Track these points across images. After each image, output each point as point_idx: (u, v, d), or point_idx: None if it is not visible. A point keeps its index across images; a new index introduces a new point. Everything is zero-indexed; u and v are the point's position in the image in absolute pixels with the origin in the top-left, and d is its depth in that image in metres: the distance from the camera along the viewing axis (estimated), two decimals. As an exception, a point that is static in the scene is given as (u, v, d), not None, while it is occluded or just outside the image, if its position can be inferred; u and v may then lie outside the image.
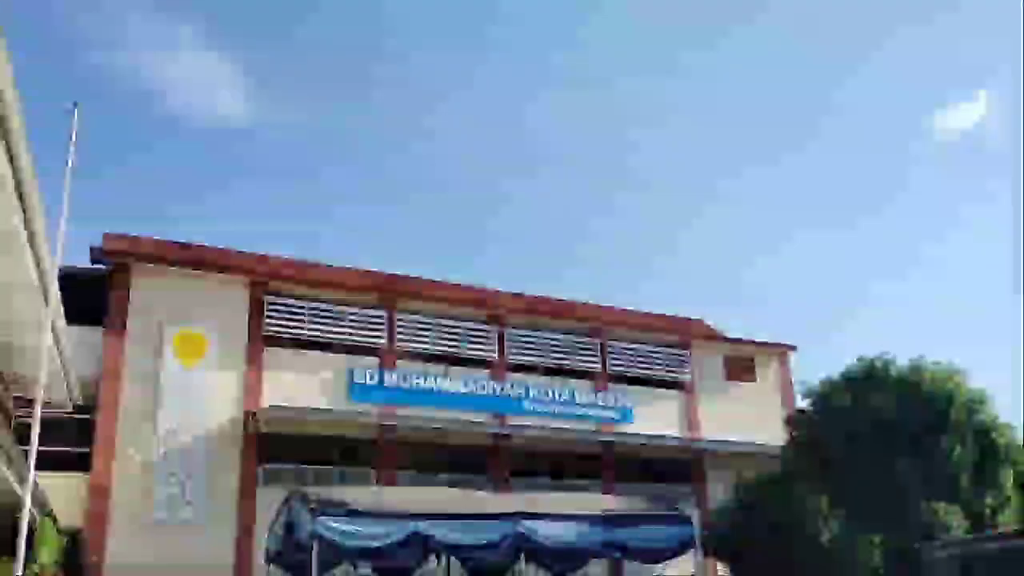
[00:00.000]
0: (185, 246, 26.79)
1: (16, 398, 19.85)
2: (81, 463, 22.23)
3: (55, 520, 18.21)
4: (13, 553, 12.34)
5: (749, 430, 29.44)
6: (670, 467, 30.14)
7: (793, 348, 33.45)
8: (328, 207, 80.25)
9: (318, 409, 24.13)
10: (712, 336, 33.54)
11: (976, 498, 20.98)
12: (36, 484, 13.62)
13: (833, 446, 21.24)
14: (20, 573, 12.19)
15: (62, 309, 15.03)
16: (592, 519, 20.18)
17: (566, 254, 79.76)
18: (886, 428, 20.99)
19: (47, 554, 17.17)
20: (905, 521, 20.17)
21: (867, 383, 21.87)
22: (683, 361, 31.11)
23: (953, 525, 19.94)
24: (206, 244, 26.93)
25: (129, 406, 22.43)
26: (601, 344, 29.81)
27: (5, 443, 13.15)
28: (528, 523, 19.44)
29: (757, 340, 33.01)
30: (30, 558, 15.45)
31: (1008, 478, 21.52)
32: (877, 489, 20.87)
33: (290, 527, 18.84)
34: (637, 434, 28.40)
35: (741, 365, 32.32)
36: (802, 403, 24.18)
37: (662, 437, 28.57)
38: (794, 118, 79.98)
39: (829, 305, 79.50)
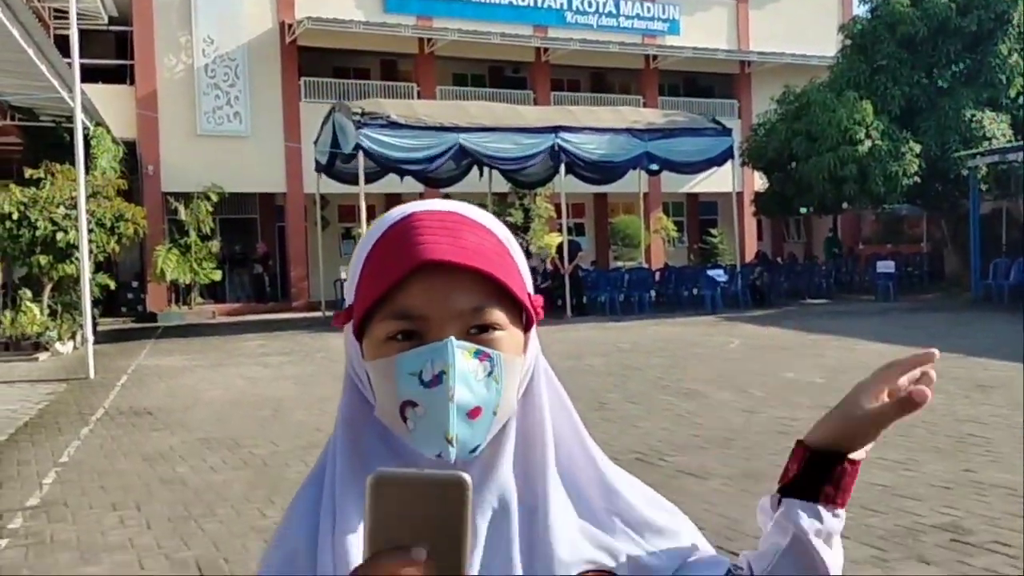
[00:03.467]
0: None
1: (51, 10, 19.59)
2: (126, 77, 22.44)
3: (109, 130, 18.77)
4: (74, 163, 12.90)
5: (801, 42, 28.39)
6: (716, 82, 29.67)
7: (856, -47, 31.15)
8: None
9: (355, 21, 23.51)
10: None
11: (1024, 108, 20.63)
12: (83, 93, 13.83)
13: (886, 52, 20.54)
14: (83, 179, 12.82)
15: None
16: (632, 131, 20.31)
17: None
18: (943, 32, 20.11)
19: (106, 161, 17.95)
20: (948, 130, 20.05)
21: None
22: (735, -32, 29.22)
23: (997, 134, 19.81)
24: None
25: (163, 16, 22.01)
26: (649, -50, 27.94)
27: (48, 51, 13.14)
28: (568, 135, 19.66)
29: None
30: (90, 166, 16.17)
31: (1064, 86, 20.94)
32: (924, 96, 20.52)
33: (335, 139, 19.29)
34: (683, 47, 27.54)
35: (798, -29, 30.33)
36: (859, 10, 23.09)
37: (709, 50, 27.70)
38: None
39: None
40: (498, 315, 0.86)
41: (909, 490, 5.55)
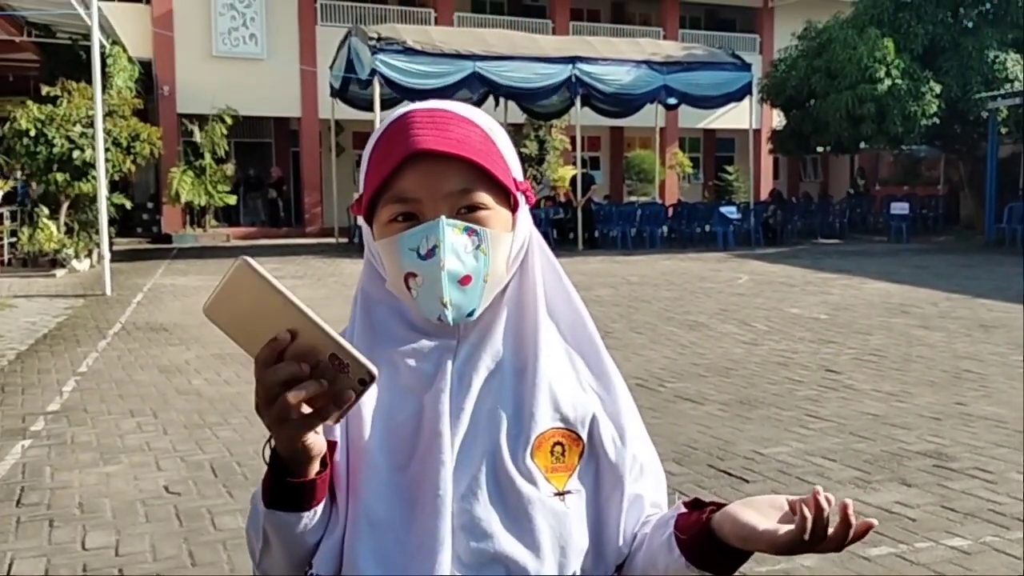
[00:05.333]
0: None
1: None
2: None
3: (125, 49, 18.71)
4: (90, 81, 12.92)
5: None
6: (738, 15, 29.17)
7: None
8: None
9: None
10: None
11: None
12: (100, 11, 13.79)
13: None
14: (100, 97, 12.86)
15: None
16: (651, 64, 20.08)
17: None
18: (970, -31, 19.70)
19: (122, 80, 17.96)
20: (971, 71, 19.75)
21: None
22: None
23: (1020, 76, 19.53)
24: None
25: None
26: None
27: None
28: (585, 66, 19.47)
29: None
30: (106, 85, 16.18)
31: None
32: (948, 35, 20.18)
33: (351, 64, 19.18)
34: (705, -21, 27.04)
35: None
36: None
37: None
38: None
39: None
40: (484, 196, 1.00)
41: (899, 419, 5.71)
